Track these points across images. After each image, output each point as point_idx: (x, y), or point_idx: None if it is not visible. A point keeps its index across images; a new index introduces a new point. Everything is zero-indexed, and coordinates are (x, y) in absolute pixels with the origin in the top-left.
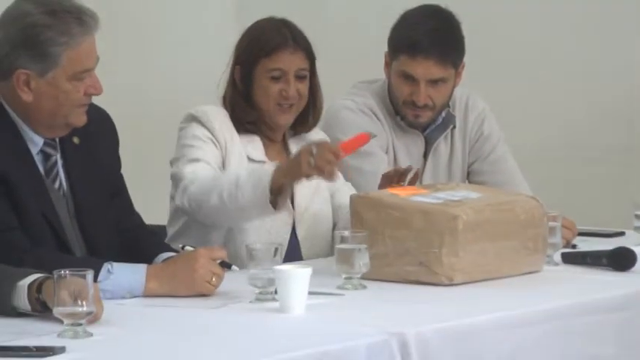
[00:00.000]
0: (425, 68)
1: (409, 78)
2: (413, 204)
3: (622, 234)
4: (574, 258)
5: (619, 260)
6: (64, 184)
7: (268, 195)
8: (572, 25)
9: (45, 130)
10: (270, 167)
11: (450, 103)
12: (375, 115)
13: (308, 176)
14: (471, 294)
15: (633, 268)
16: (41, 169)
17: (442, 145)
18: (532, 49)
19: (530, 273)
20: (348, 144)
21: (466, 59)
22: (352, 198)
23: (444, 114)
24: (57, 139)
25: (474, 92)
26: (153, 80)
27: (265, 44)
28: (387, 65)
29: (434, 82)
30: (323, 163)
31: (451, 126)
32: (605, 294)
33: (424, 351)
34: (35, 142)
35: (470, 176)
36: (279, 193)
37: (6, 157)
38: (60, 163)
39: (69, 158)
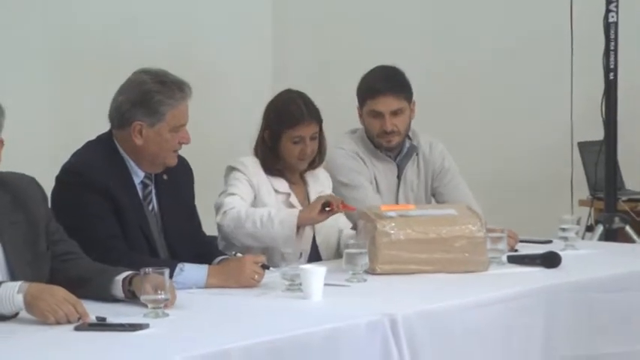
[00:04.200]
0: (385, 103)
1: (377, 115)
2: (372, 214)
3: (550, 242)
4: (516, 259)
5: (549, 261)
6: (156, 207)
7: (295, 232)
8: (511, 85)
9: (147, 167)
10: (294, 211)
11: (416, 144)
12: (359, 156)
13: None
14: (440, 284)
15: (559, 267)
16: (140, 195)
17: (409, 171)
18: (486, 107)
19: (479, 271)
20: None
21: (440, 114)
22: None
23: (407, 144)
24: (152, 175)
25: (435, 138)
26: (205, 128)
27: (288, 119)
28: (360, 115)
29: (395, 113)
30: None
31: (414, 154)
32: (538, 284)
33: (409, 327)
34: (138, 175)
35: (435, 197)
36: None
37: (117, 183)
38: (153, 192)
39: (160, 189)
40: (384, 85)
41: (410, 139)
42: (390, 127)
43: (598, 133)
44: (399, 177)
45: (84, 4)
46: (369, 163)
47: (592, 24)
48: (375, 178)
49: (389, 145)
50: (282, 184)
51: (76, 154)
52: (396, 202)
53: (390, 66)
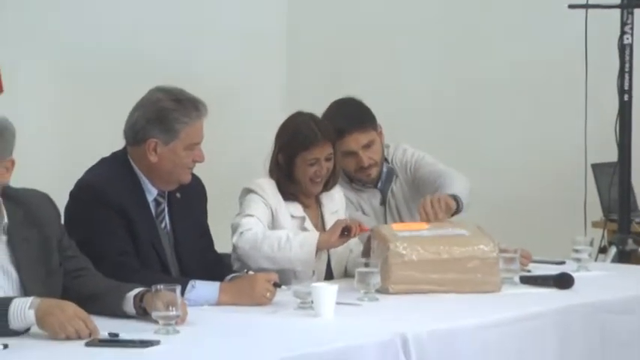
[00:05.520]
0: (355, 140)
1: (350, 154)
2: (385, 234)
3: (564, 263)
4: (529, 280)
5: (562, 282)
6: (168, 224)
7: (314, 254)
8: (524, 106)
9: (161, 184)
10: (314, 234)
11: (393, 165)
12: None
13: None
14: (452, 305)
15: (572, 288)
16: (153, 212)
17: (392, 195)
18: (499, 129)
19: (491, 292)
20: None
21: (450, 135)
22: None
23: (385, 168)
24: (165, 192)
25: (401, 144)
26: (217, 146)
27: (303, 141)
28: None
29: (367, 146)
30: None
31: (394, 176)
32: (551, 305)
33: (420, 347)
34: (151, 192)
35: (420, 190)
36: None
37: (130, 200)
38: (166, 209)
39: (172, 207)
40: (348, 123)
41: (387, 161)
42: (366, 162)
43: (612, 155)
44: (383, 203)
45: (95, 19)
46: (351, 196)
47: (607, 46)
48: (362, 209)
49: (369, 178)
50: (296, 209)
51: (91, 171)
52: None
53: (347, 100)
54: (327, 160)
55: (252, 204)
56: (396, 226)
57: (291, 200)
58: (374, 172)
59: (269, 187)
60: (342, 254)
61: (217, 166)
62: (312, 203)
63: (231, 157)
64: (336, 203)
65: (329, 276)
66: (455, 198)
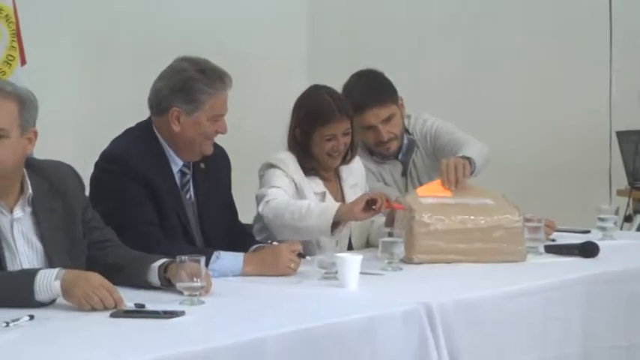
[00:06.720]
0: (375, 115)
1: (370, 128)
2: (409, 203)
3: (588, 232)
4: (554, 249)
5: (587, 250)
6: (193, 195)
7: (330, 224)
8: (549, 73)
9: (185, 155)
10: (335, 204)
11: (414, 137)
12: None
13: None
14: (477, 274)
15: (597, 257)
16: (178, 183)
17: (414, 166)
18: (524, 96)
19: (516, 261)
20: (394, 204)
21: (475, 102)
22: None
23: (406, 140)
24: (190, 163)
25: (422, 114)
26: (237, 119)
27: (320, 117)
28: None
29: (386, 120)
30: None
31: (415, 147)
32: (576, 274)
33: (445, 316)
34: (176, 163)
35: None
36: (336, 225)
37: (156, 171)
38: (191, 180)
39: (197, 178)
40: (368, 98)
41: (408, 132)
42: (386, 136)
43: (637, 123)
44: (404, 174)
45: None
46: (372, 167)
47: (632, 9)
48: (383, 180)
49: (389, 152)
50: (317, 185)
51: (115, 141)
52: None
53: (367, 72)
54: (345, 135)
55: (275, 177)
56: (421, 191)
57: (311, 175)
58: (394, 145)
59: (291, 162)
60: (363, 226)
61: (238, 138)
62: (331, 177)
63: (252, 128)
64: (356, 176)
65: (349, 248)
66: (469, 160)
